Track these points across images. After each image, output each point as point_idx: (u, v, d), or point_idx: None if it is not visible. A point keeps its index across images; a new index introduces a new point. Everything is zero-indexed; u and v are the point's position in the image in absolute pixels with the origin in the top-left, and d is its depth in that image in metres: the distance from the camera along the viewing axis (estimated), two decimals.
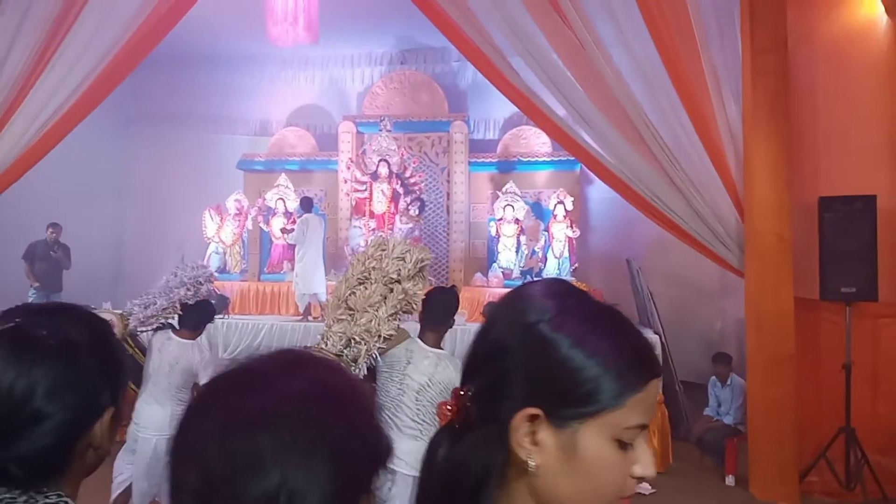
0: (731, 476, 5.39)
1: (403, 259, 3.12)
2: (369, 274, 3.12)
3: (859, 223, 5.04)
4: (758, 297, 5.26)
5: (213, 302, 4.07)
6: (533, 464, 0.74)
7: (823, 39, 5.51)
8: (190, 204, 9.54)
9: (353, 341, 3.04)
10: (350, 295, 3.12)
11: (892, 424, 5.12)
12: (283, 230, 8.74)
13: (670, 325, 7.57)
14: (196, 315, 3.96)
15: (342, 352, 3.04)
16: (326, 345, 3.06)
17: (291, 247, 8.44)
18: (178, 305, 3.89)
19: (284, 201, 9.01)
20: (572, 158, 8.83)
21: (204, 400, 0.69)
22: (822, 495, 5.07)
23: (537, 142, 9.42)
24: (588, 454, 0.74)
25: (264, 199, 9.09)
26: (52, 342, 0.91)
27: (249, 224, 9.21)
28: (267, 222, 9.09)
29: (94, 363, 0.94)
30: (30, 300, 8.27)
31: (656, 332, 7.01)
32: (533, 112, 6.10)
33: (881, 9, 5.36)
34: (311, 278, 7.73)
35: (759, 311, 5.25)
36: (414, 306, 3.12)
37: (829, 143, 5.39)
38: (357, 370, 3.01)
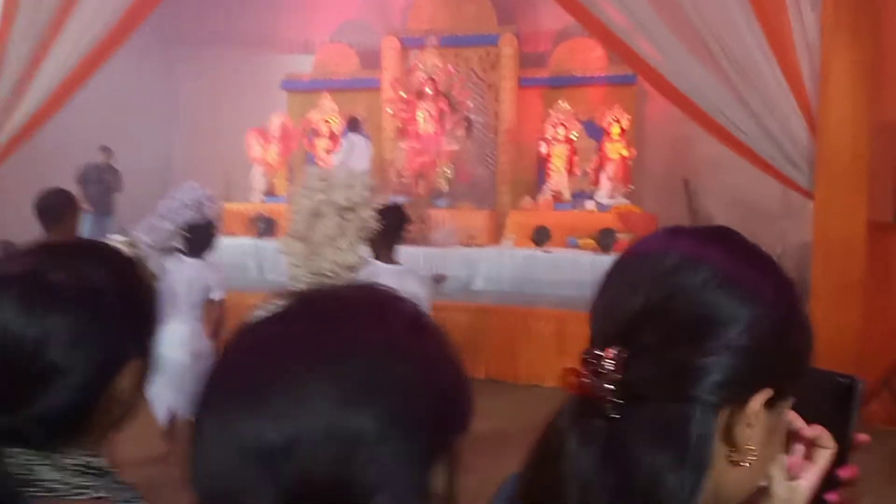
0: None
1: (352, 186, 3.08)
2: (319, 208, 3.05)
3: None
4: (827, 220, 4.97)
5: (215, 222, 4.09)
6: (753, 458, 0.60)
7: None
8: (234, 125, 9.46)
9: (325, 277, 3.03)
10: (307, 230, 3.07)
11: None
12: (328, 151, 8.62)
13: None
14: (203, 236, 3.98)
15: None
16: (295, 285, 3.07)
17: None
18: (184, 228, 3.90)
19: (329, 122, 8.85)
20: (628, 74, 8.40)
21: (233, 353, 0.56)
22: (883, 423, 4.91)
23: (592, 56, 8.94)
24: (777, 436, 0.62)
25: (309, 121, 8.94)
26: (71, 287, 0.80)
27: (294, 146, 9.11)
28: (312, 144, 8.98)
29: (119, 310, 0.83)
30: (83, 225, 8.44)
31: None
32: (589, 21, 5.73)
33: None
34: None
35: (827, 234, 4.97)
36: (370, 233, 3.13)
37: None
38: None
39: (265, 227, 7.78)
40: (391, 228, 3.32)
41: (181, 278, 3.85)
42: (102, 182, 8.65)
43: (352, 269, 3.08)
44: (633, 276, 0.63)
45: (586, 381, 0.59)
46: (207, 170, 9.44)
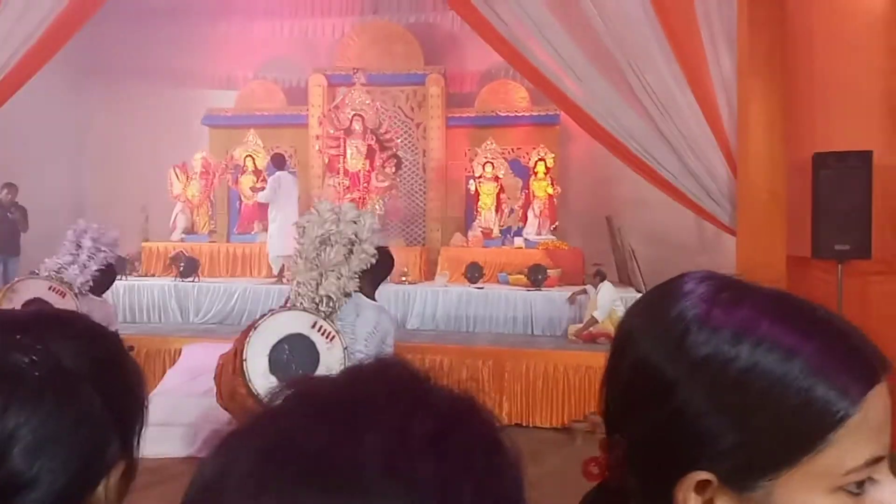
0: None
1: (360, 222, 3.41)
2: (328, 236, 3.37)
3: (854, 180, 4.92)
4: (749, 255, 5.15)
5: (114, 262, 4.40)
6: None
7: None
8: (153, 162, 9.11)
9: (327, 299, 3.35)
10: (316, 256, 3.39)
11: None
12: (254, 189, 8.39)
13: (649, 283, 7.49)
14: (109, 276, 4.30)
15: (318, 309, 3.36)
16: (301, 304, 3.39)
17: (262, 206, 8.11)
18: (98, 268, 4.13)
19: (254, 158, 8.63)
20: (552, 114, 8.65)
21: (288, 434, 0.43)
22: None
23: (516, 96, 9.15)
24: None
25: (232, 157, 8.70)
26: (38, 373, 0.64)
27: (217, 183, 8.82)
28: (235, 181, 8.72)
29: (98, 401, 0.67)
30: None
31: (639, 291, 6.93)
32: (517, 61, 5.83)
33: None
34: (285, 239, 7.43)
35: (749, 269, 5.09)
36: (369, 265, 3.45)
37: (825, 95, 5.24)
38: (332, 327, 3.34)
39: (187, 266, 7.44)
40: (381, 268, 3.57)
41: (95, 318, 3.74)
42: (6, 221, 8.10)
43: (348, 296, 3.41)
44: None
45: (595, 469, 0.58)
46: (123, 207, 9.02)
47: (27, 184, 8.41)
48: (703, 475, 0.53)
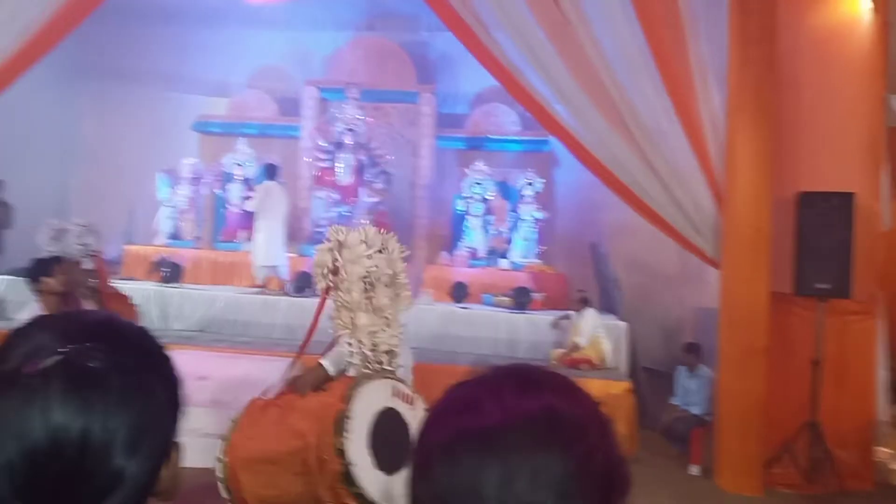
0: (695, 466, 5.39)
1: (392, 252, 3.17)
2: (369, 275, 3.03)
3: (836, 220, 5.04)
4: (733, 289, 5.23)
5: None
6: None
7: (809, 32, 5.45)
8: (141, 165, 9.06)
9: (390, 354, 3.06)
10: (368, 298, 3.04)
11: (855, 420, 5.20)
12: (245, 197, 8.37)
13: (630, 312, 7.57)
14: None
15: (383, 367, 3.04)
16: (362, 360, 3.04)
17: (248, 215, 8.09)
18: None
19: (243, 167, 8.61)
20: (542, 139, 8.75)
21: (438, 411, 0.69)
22: (784, 487, 5.12)
23: (507, 120, 9.25)
24: None
25: (221, 165, 8.67)
26: (117, 375, 0.69)
27: (204, 190, 8.78)
28: (223, 188, 8.69)
29: (163, 394, 0.74)
30: None
31: (621, 319, 6.99)
32: (512, 86, 5.91)
33: (868, 3, 5.33)
34: (271, 250, 7.43)
35: (733, 302, 5.22)
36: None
37: (810, 137, 5.36)
38: (408, 388, 3.04)
39: (171, 271, 7.38)
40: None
41: None
42: None
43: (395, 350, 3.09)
44: None
45: None
46: (108, 208, 8.94)
47: (12, 181, 8.31)
48: None
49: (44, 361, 0.66)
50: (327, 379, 3.06)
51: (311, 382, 3.02)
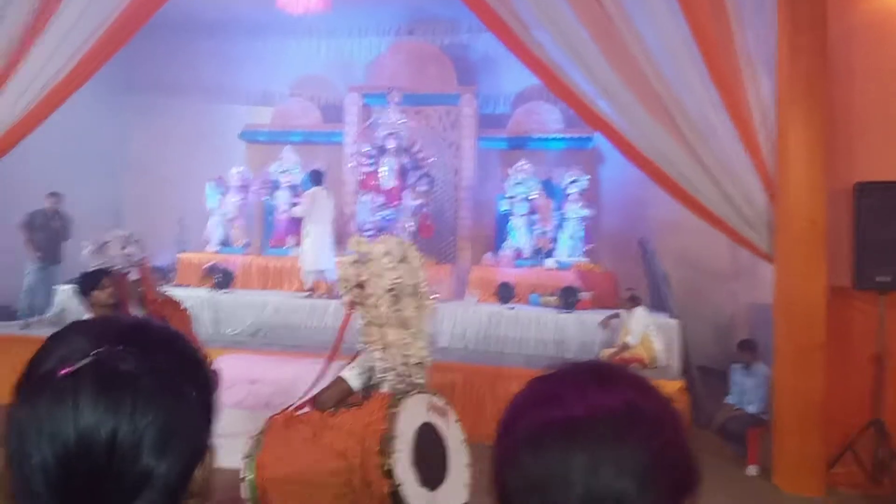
0: (753, 466, 5.26)
1: (415, 262, 3.05)
2: (394, 288, 2.94)
3: (895, 210, 4.86)
4: (788, 284, 5.08)
5: None
6: None
7: (862, 16, 5.27)
8: (190, 175, 9.28)
9: (418, 367, 2.96)
10: (396, 311, 2.94)
11: None
12: (292, 204, 8.52)
13: (681, 309, 7.42)
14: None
15: (414, 381, 2.97)
16: (396, 375, 2.94)
17: (296, 221, 8.21)
18: None
19: (289, 174, 8.75)
20: (585, 136, 8.66)
21: (520, 404, 0.73)
22: (847, 487, 4.95)
23: (550, 118, 9.17)
24: None
25: (268, 172, 8.83)
26: (148, 377, 0.71)
27: (253, 197, 8.96)
28: (271, 195, 8.86)
29: (195, 397, 0.75)
30: (28, 274, 8.02)
31: (672, 316, 6.87)
32: (554, 84, 5.85)
33: None
34: (318, 255, 7.52)
35: (789, 298, 5.08)
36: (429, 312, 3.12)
37: (867, 125, 5.18)
38: (441, 400, 2.97)
39: (222, 278, 7.55)
40: None
41: None
42: (50, 229, 8.28)
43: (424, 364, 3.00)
44: None
45: None
46: (160, 219, 9.20)
47: (69, 194, 8.61)
48: None
49: (76, 364, 0.69)
50: (349, 393, 3.00)
51: (335, 397, 2.96)
